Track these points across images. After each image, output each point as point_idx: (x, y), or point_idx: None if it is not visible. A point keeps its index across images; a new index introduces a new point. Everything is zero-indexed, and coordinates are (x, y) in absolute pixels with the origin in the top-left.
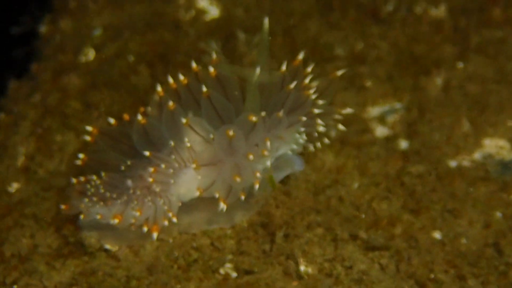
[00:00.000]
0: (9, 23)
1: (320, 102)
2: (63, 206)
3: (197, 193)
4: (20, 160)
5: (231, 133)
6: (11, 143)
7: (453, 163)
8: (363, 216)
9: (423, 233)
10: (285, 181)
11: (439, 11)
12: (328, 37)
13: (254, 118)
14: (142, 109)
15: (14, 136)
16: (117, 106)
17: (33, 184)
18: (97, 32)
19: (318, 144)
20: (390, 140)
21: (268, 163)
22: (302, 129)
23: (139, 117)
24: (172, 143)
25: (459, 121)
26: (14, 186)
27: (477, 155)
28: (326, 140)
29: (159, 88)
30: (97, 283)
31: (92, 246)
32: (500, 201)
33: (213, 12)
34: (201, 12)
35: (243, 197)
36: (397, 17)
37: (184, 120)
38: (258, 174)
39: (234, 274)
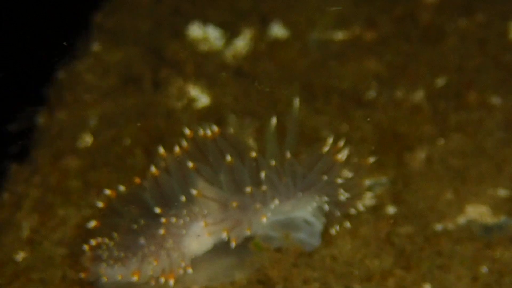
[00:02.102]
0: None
1: (347, 174)
2: (82, 275)
3: (210, 244)
4: (25, 233)
5: (253, 155)
6: (15, 219)
7: (439, 227)
8: (357, 272)
9: (415, 286)
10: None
11: (418, 96)
12: (314, 122)
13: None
14: (138, 180)
15: (18, 212)
16: (115, 184)
17: (39, 253)
18: (93, 121)
19: (337, 228)
20: (378, 208)
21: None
22: (325, 198)
23: (153, 169)
24: (183, 198)
25: (443, 191)
26: (20, 255)
27: (460, 220)
28: (348, 224)
29: (161, 151)
30: None
31: None
32: (486, 258)
33: (204, 100)
34: (192, 100)
35: (233, 244)
36: (379, 102)
37: (191, 165)
38: (264, 219)
39: None
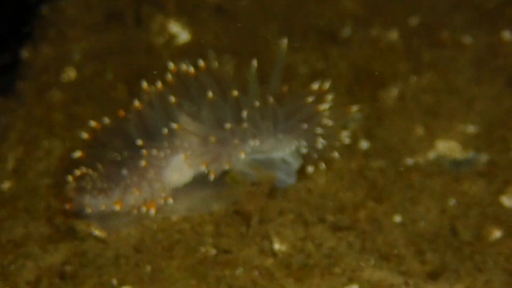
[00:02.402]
0: None
1: (328, 123)
2: (67, 206)
3: (189, 176)
4: (10, 164)
5: (235, 93)
6: (1, 150)
7: (410, 161)
8: (330, 204)
9: (386, 217)
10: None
11: (392, 35)
12: (292, 59)
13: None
14: (122, 113)
15: (3, 143)
16: (98, 117)
17: (24, 183)
18: (77, 56)
19: (313, 168)
20: (351, 143)
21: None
22: (303, 143)
23: (136, 103)
24: (165, 130)
25: (414, 126)
26: (6, 185)
27: (431, 155)
28: (323, 165)
29: (144, 85)
30: (88, 262)
31: (83, 232)
32: (454, 191)
33: (184, 36)
34: (173, 36)
35: (212, 176)
36: (354, 40)
37: (173, 99)
38: (243, 155)
39: (213, 252)
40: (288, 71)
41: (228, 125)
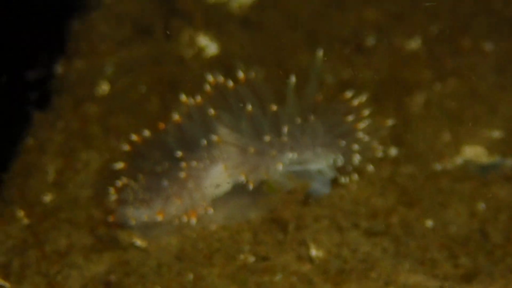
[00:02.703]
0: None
1: (365, 138)
2: (110, 218)
3: (228, 186)
4: (51, 176)
5: (274, 108)
6: (41, 163)
7: (438, 166)
8: (363, 209)
9: (417, 222)
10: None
11: (415, 43)
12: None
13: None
14: (162, 125)
15: (43, 156)
16: (133, 128)
17: (64, 194)
18: (109, 69)
19: (347, 179)
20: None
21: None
22: (340, 157)
23: (175, 116)
24: (204, 141)
25: (441, 132)
26: (48, 197)
27: (458, 160)
28: (356, 176)
29: (183, 98)
30: (132, 270)
31: (125, 241)
32: (482, 195)
33: (213, 48)
34: (202, 49)
35: (251, 186)
36: (378, 49)
37: (212, 112)
38: (280, 166)
39: (252, 260)
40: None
41: (267, 138)
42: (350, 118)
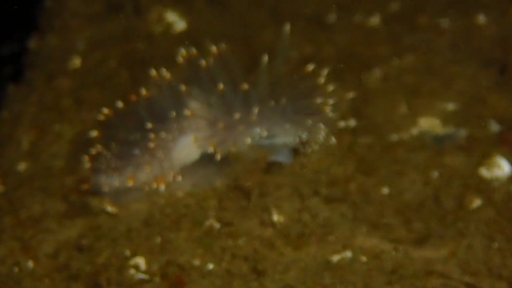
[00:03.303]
0: None
1: (330, 115)
2: (85, 186)
3: (196, 156)
4: (25, 146)
5: (245, 86)
6: (15, 134)
7: (395, 137)
8: (323, 177)
9: (374, 189)
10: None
11: (374, 20)
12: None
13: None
14: (134, 97)
15: (17, 128)
16: (104, 102)
17: (38, 164)
18: (81, 45)
19: (309, 150)
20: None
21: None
22: (306, 133)
23: (143, 91)
24: (173, 113)
25: (398, 105)
26: (22, 165)
27: (414, 131)
28: (317, 147)
29: (153, 72)
30: (102, 235)
31: (96, 207)
32: (436, 164)
33: (181, 25)
34: (171, 25)
35: (218, 156)
36: (339, 26)
37: (183, 88)
38: (249, 139)
39: (217, 226)
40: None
41: (237, 115)
42: (317, 99)
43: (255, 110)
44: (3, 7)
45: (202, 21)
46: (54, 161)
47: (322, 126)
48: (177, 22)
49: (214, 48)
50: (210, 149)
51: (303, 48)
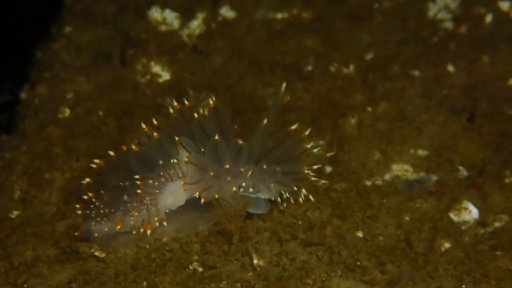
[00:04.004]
0: None
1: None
2: (76, 233)
3: (182, 202)
4: (17, 194)
5: (239, 142)
6: (8, 182)
7: (368, 183)
8: (300, 222)
9: (349, 233)
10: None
11: (350, 69)
12: (261, 92)
13: (241, 143)
14: (136, 140)
15: (10, 176)
16: (92, 150)
17: (30, 211)
18: (70, 95)
19: (285, 205)
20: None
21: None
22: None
23: (133, 146)
24: (161, 162)
25: (372, 151)
26: (14, 213)
27: (387, 177)
28: (292, 201)
29: (143, 125)
30: (91, 279)
31: (85, 253)
32: (408, 208)
33: (165, 75)
34: (155, 76)
35: (202, 200)
36: (316, 74)
37: (176, 138)
38: (234, 188)
39: (200, 269)
40: (259, 103)
41: (227, 165)
42: (304, 166)
43: (244, 163)
44: None
45: (185, 71)
46: (45, 208)
47: (304, 190)
48: (161, 72)
49: (210, 101)
50: (196, 194)
51: (283, 97)
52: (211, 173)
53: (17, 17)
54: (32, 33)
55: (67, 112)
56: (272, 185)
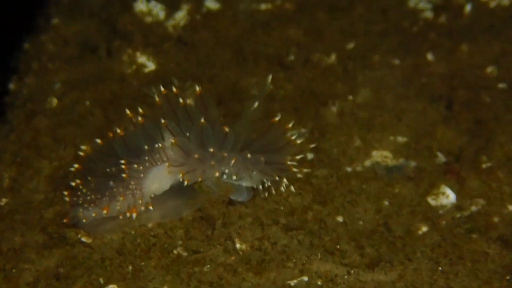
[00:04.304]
0: None
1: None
2: (65, 220)
3: (167, 186)
4: (6, 182)
5: (226, 129)
6: None
7: (349, 169)
8: (282, 208)
9: (330, 218)
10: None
11: (331, 58)
12: (245, 82)
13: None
14: (110, 134)
15: None
16: (79, 139)
17: (18, 199)
18: (57, 85)
19: (266, 194)
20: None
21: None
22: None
23: (118, 131)
24: (146, 147)
25: (352, 139)
26: (3, 201)
27: (367, 163)
28: (273, 191)
29: (128, 112)
30: (78, 264)
31: (72, 238)
32: (387, 193)
33: (150, 66)
34: (141, 66)
35: (186, 183)
36: (298, 64)
37: (162, 121)
38: (217, 174)
39: (185, 254)
40: (243, 92)
41: (211, 149)
42: (288, 159)
43: (228, 150)
44: None
45: (170, 62)
46: (33, 195)
47: (285, 180)
48: (147, 63)
49: (196, 89)
50: (180, 177)
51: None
52: (196, 156)
53: (4, 9)
54: (19, 25)
55: (54, 102)
56: (254, 173)
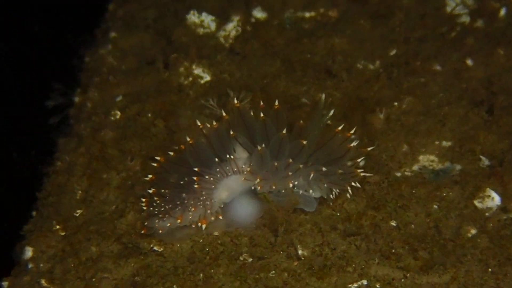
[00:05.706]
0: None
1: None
2: (142, 231)
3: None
4: (79, 194)
5: (303, 143)
6: (69, 183)
7: (398, 174)
8: (338, 214)
9: (383, 223)
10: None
11: (375, 66)
12: (294, 91)
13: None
14: (182, 146)
15: (70, 177)
16: (144, 150)
17: (91, 210)
18: (119, 98)
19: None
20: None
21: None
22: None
23: (188, 139)
24: (216, 159)
25: (399, 144)
26: (78, 212)
27: (415, 167)
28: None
29: (198, 123)
30: (153, 273)
31: (145, 248)
32: (436, 197)
33: (206, 77)
34: (197, 77)
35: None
36: (344, 72)
37: (231, 132)
38: (291, 184)
39: (250, 260)
40: (292, 101)
41: (286, 161)
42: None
43: (303, 161)
44: (48, 66)
45: (224, 72)
46: (104, 206)
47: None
48: (203, 74)
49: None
50: (254, 184)
51: (314, 94)
52: (275, 164)
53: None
54: (81, 40)
55: (118, 114)
56: (325, 185)
